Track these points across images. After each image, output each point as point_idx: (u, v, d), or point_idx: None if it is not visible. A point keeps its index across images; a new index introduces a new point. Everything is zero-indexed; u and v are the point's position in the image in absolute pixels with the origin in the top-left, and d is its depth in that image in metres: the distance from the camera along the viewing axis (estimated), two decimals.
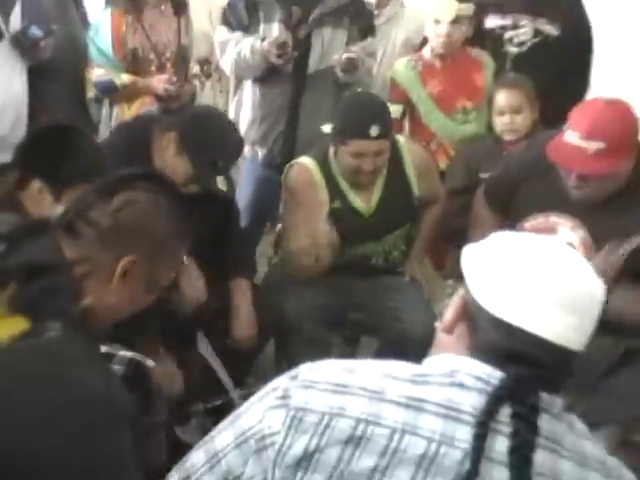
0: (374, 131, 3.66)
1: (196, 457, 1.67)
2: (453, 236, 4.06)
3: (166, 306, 3.07)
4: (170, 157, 3.43)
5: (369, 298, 3.94)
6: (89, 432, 1.79)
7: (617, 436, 2.46)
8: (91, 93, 4.52)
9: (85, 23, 4.72)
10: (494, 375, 1.53)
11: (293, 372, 1.64)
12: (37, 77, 4.04)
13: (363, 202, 3.94)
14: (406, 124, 4.73)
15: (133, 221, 2.09)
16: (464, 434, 1.49)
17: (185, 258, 3.32)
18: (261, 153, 4.72)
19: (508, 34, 4.71)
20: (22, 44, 3.89)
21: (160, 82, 4.45)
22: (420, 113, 4.64)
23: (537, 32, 4.69)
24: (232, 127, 3.87)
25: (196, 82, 4.87)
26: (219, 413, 1.90)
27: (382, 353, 3.87)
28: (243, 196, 4.61)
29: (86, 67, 4.48)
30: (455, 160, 4.51)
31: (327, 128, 3.91)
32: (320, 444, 1.52)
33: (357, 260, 3.99)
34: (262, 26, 4.51)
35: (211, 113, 3.91)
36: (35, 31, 3.89)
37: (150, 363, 2.87)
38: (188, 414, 2.95)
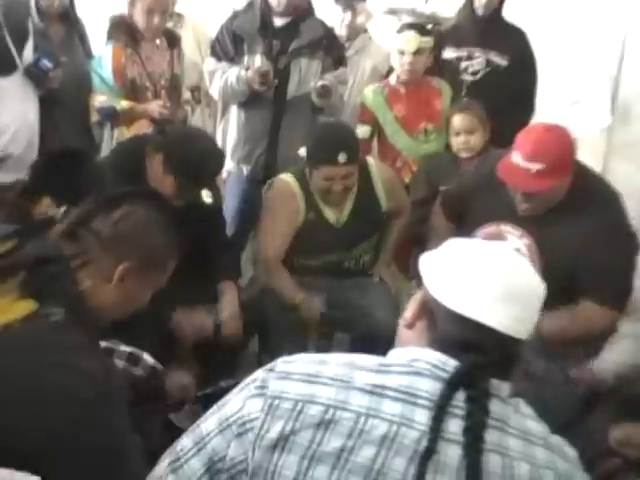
0: (342, 158, 3.70)
1: (185, 441, 1.66)
2: (416, 241, 4.07)
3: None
4: (159, 176, 3.43)
5: (342, 298, 3.93)
6: (89, 414, 1.80)
7: None
8: (94, 117, 4.52)
9: (89, 55, 4.72)
10: (449, 363, 1.54)
11: (270, 365, 1.65)
12: (47, 104, 4.04)
13: (335, 215, 3.96)
14: (374, 143, 4.75)
15: (131, 232, 2.12)
16: (421, 417, 1.50)
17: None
18: (246, 170, 4.74)
19: (463, 64, 4.80)
20: (34, 75, 3.88)
21: (156, 107, 4.45)
22: (387, 134, 4.69)
23: (489, 63, 4.78)
24: (212, 145, 3.86)
25: (187, 107, 4.90)
26: (209, 401, 1.95)
27: (354, 347, 3.89)
28: (229, 207, 4.61)
29: (90, 94, 4.48)
30: (417, 175, 4.54)
31: (303, 151, 3.95)
32: (294, 428, 1.53)
33: (331, 264, 4.00)
34: (246, 57, 4.52)
35: (192, 135, 3.85)
36: (46, 63, 3.89)
37: (147, 357, 2.87)
38: (182, 402, 2.99)
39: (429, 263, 1.68)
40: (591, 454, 2.71)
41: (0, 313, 2.03)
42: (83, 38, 4.80)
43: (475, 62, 4.79)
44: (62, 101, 4.21)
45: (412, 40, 4.55)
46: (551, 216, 3.39)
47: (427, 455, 1.46)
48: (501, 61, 4.79)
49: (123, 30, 4.53)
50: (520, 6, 5.02)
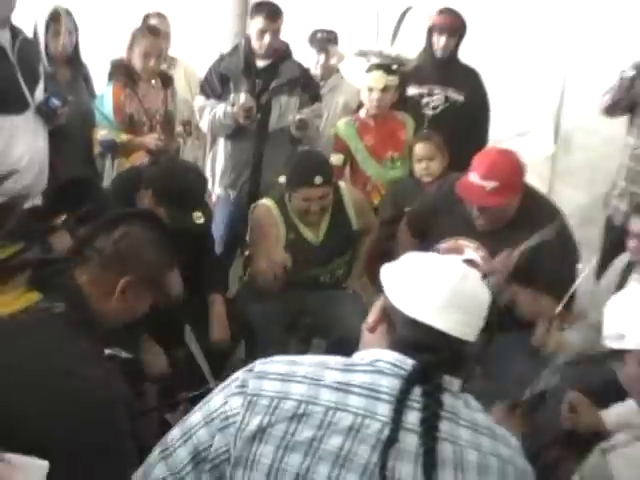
0: (318, 180, 3.76)
1: (175, 432, 1.67)
2: (385, 257, 4.08)
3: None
4: (151, 208, 3.40)
5: (318, 307, 3.93)
6: (89, 416, 1.83)
7: (503, 411, 2.46)
8: (97, 149, 4.55)
9: (92, 95, 4.75)
10: (407, 362, 1.58)
11: (250, 366, 1.66)
12: (55, 137, 4.02)
13: (313, 235, 3.99)
14: (347, 170, 4.79)
15: (129, 249, 2.17)
16: (383, 410, 1.53)
17: (145, 337, 3.36)
18: (232, 195, 4.79)
19: (425, 100, 4.90)
20: (44, 112, 3.86)
21: (151, 140, 4.51)
22: (358, 161, 4.74)
23: (447, 99, 4.90)
24: (194, 172, 3.83)
25: (180, 139, 4.91)
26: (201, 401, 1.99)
27: (329, 351, 3.81)
28: (218, 228, 4.59)
29: (93, 129, 4.52)
30: (385, 197, 4.59)
31: (282, 179, 3.97)
32: (271, 421, 1.55)
33: (309, 278, 4.00)
34: (232, 95, 4.62)
35: (175, 168, 3.83)
36: (54, 102, 3.87)
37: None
38: (176, 402, 3.01)
39: (389, 274, 1.72)
40: (538, 445, 2.81)
41: (8, 304, 2.15)
42: (87, 79, 4.82)
43: (435, 98, 4.90)
44: (69, 135, 4.21)
45: (379, 78, 4.63)
46: (503, 231, 3.46)
47: (389, 443, 1.49)
48: (458, 97, 4.90)
49: (122, 72, 4.59)
50: (474, 49, 5.05)
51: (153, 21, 5.18)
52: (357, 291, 4.12)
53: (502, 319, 3.31)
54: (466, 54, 5.01)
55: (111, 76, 4.65)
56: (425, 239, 3.72)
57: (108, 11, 5.43)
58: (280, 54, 4.71)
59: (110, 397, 1.94)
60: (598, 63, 5.12)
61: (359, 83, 4.93)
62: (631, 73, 4.38)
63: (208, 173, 4.90)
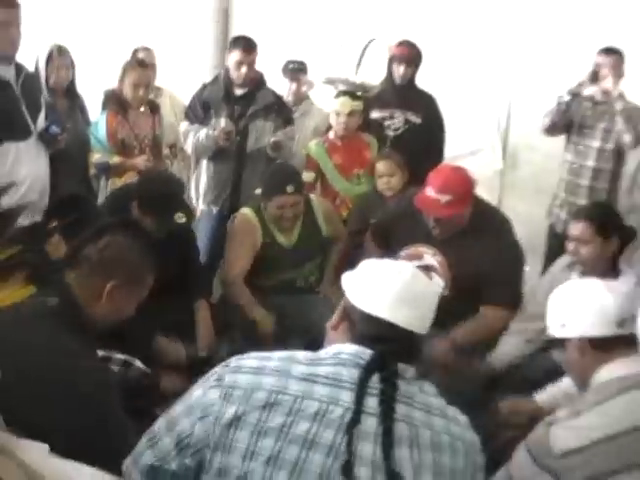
0: (290, 188, 3.85)
1: (160, 422, 1.69)
2: (353, 264, 4.12)
3: None
4: (140, 217, 3.49)
5: (295, 311, 3.96)
6: (88, 405, 1.89)
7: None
8: (92, 171, 4.58)
9: (87, 122, 4.77)
10: (365, 353, 1.64)
11: (226, 362, 1.70)
12: (55, 161, 4.05)
13: (286, 240, 4.05)
14: (318, 186, 4.82)
15: (113, 256, 2.17)
16: (345, 397, 1.58)
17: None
18: (215, 210, 4.83)
19: (387, 122, 4.94)
20: (45, 138, 3.90)
21: (141, 161, 4.53)
22: (327, 178, 4.78)
23: (407, 121, 4.93)
24: (169, 179, 3.96)
25: (167, 160, 5.01)
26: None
27: (305, 350, 4.00)
28: (202, 240, 4.61)
29: (89, 153, 4.54)
30: (352, 210, 4.64)
31: (258, 190, 4.05)
32: (245, 410, 1.58)
33: (285, 283, 4.07)
34: (213, 120, 4.67)
35: (153, 179, 3.94)
36: (54, 129, 3.91)
37: (138, 363, 2.87)
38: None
39: (349, 279, 1.78)
40: (491, 428, 2.85)
41: (7, 297, 2.23)
42: (83, 109, 4.85)
43: (396, 121, 4.94)
44: (67, 158, 4.23)
45: (346, 104, 4.71)
46: (458, 238, 3.54)
47: (353, 423, 1.55)
48: (416, 119, 4.94)
49: (114, 101, 4.62)
50: (430, 76, 5.12)
51: (141, 55, 5.21)
52: (328, 296, 4.04)
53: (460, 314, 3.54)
54: (423, 80, 5.06)
55: (104, 105, 4.67)
56: (388, 247, 3.76)
57: (100, 47, 5.44)
58: (256, 83, 4.77)
59: (105, 384, 2.01)
60: (539, 90, 5.15)
61: (328, 108, 4.98)
62: (567, 98, 4.54)
63: (192, 191, 4.95)
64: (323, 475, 1.53)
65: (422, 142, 4.90)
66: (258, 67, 4.83)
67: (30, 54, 4.42)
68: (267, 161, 4.77)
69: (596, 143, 4.65)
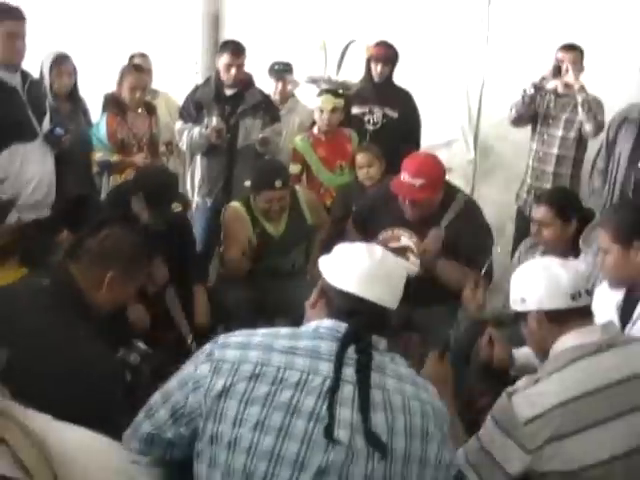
0: (277, 183, 3.85)
1: (156, 396, 1.72)
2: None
3: None
4: (138, 210, 3.53)
5: (281, 292, 3.93)
6: (93, 388, 1.91)
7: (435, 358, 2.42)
8: (95, 168, 4.57)
9: (89, 124, 4.77)
10: (341, 326, 1.67)
11: (216, 339, 1.72)
12: (60, 160, 4.06)
13: (274, 229, 4.06)
14: (303, 177, 4.83)
15: (112, 248, 2.20)
16: (323, 367, 1.61)
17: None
18: (209, 202, 4.84)
19: (366, 117, 4.96)
20: (50, 140, 3.93)
21: (140, 159, 4.53)
22: (312, 170, 4.79)
23: (385, 115, 4.95)
24: (164, 172, 4.02)
25: (163, 157, 4.98)
26: None
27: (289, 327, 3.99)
28: (198, 230, 4.68)
29: (91, 152, 4.53)
30: (336, 199, 4.67)
31: (247, 183, 4.04)
32: (233, 381, 1.60)
33: (273, 267, 4.08)
34: (206, 119, 4.65)
35: (149, 173, 3.99)
36: (59, 131, 3.94)
37: (140, 343, 2.89)
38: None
39: (326, 261, 1.82)
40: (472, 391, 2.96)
41: (3, 279, 2.25)
42: (85, 111, 4.84)
43: (375, 116, 4.96)
44: (71, 158, 4.23)
45: (328, 101, 4.73)
46: (431, 220, 3.59)
47: (333, 390, 1.57)
48: (393, 114, 4.96)
49: (114, 103, 4.60)
50: (406, 74, 5.15)
51: (137, 60, 5.19)
52: (314, 277, 3.94)
53: (435, 292, 3.55)
54: (400, 77, 5.08)
55: (104, 107, 4.66)
56: (368, 232, 3.78)
57: (100, 54, 5.42)
58: (245, 84, 4.78)
59: (109, 369, 2.06)
60: (508, 84, 5.18)
61: (312, 105, 4.99)
62: (531, 91, 4.59)
63: (188, 185, 4.98)
64: (305, 438, 1.56)
65: (400, 135, 4.91)
66: (246, 68, 4.83)
67: (34, 61, 4.42)
68: (256, 156, 4.76)
69: (559, 132, 4.70)
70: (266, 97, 4.97)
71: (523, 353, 2.74)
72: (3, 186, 3.69)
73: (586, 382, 1.93)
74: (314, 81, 5.39)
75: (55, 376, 1.89)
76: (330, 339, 1.66)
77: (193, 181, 4.97)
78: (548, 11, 5.28)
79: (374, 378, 1.63)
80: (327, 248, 1.92)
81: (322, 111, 4.76)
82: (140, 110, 4.73)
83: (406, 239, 3.69)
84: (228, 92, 4.78)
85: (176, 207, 3.62)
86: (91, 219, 3.08)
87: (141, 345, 2.91)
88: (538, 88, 4.63)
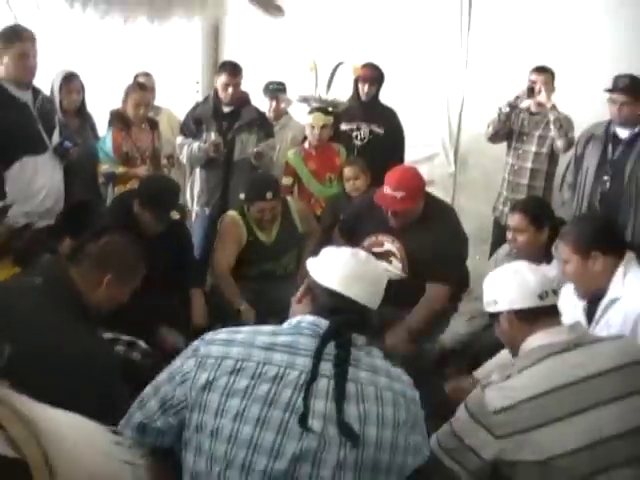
0: (269, 195, 3.88)
1: (148, 389, 1.73)
2: None
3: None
4: (140, 212, 3.56)
5: (274, 294, 3.78)
6: (92, 381, 1.92)
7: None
8: (101, 179, 4.57)
9: (96, 138, 4.75)
10: (322, 322, 1.68)
11: (203, 336, 1.74)
12: (69, 172, 4.07)
13: (267, 237, 4.07)
14: (295, 188, 4.83)
15: (111, 252, 2.24)
16: (300, 361, 1.62)
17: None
18: (207, 211, 4.85)
19: (354, 133, 4.98)
20: (59, 152, 3.92)
21: (143, 171, 4.53)
22: (304, 182, 4.80)
23: (371, 132, 4.96)
24: (166, 180, 4.00)
25: (165, 169, 4.96)
26: None
27: None
28: (197, 238, 4.66)
29: (97, 164, 4.54)
30: (325, 209, 4.68)
31: (242, 195, 4.05)
32: (216, 375, 1.62)
33: (266, 272, 4.09)
34: (204, 134, 4.69)
35: (152, 180, 4.01)
36: (67, 144, 3.94)
37: (141, 342, 2.90)
38: None
39: (313, 262, 1.83)
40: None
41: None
42: (92, 126, 4.83)
43: (362, 132, 4.97)
44: (79, 169, 4.25)
45: (319, 118, 4.75)
46: (412, 227, 3.60)
47: (310, 382, 1.59)
48: (380, 131, 4.97)
49: (119, 119, 4.60)
50: (391, 92, 5.16)
51: (141, 79, 5.19)
52: (303, 279, 3.95)
53: (417, 293, 3.58)
54: (386, 96, 5.10)
55: (110, 123, 4.66)
56: (353, 239, 3.78)
57: (106, 73, 5.43)
58: (241, 101, 4.80)
59: (109, 363, 2.07)
60: (485, 102, 5.21)
61: (303, 122, 4.99)
62: (506, 110, 4.61)
63: (187, 195, 4.97)
64: (281, 428, 1.58)
65: (385, 150, 4.91)
66: (243, 87, 4.86)
67: (46, 79, 4.42)
68: (251, 169, 4.77)
69: (533, 148, 4.72)
70: (261, 114, 4.98)
71: (487, 369, 2.80)
72: (15, 195, 3.68)
73: (553, 378, 1.93)
74: (305, 100, 5.39)
75: (56, 371, 1.90)
76: (309, 335, 1.67)
77: (192, 192, 4.97)
78: (522, 36, 5.32)
79: (350, 371, 1.64)
80: (316, 254, 1.92)
81: (313, 127, 4.76)
82: (143, 125, 4.72)
83: (389, 244, 3.70)
84: (225, 109, 4.79)
85: (175, 215, 3.62)
86: (93, 226, 3.04)
87: (142, 344, 2.92)
88: (513, 107, 4.65)
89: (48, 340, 1.96)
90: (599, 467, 1.89)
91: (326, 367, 1.63)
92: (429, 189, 3.78)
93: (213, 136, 4.65)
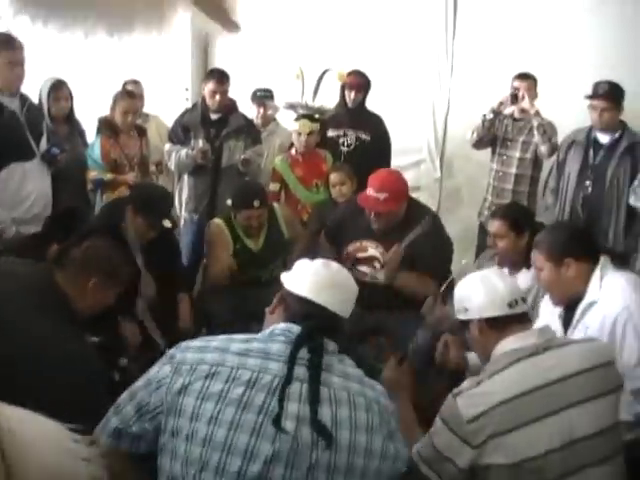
0: (256, 203, 3.89)
1: (124, 395, 1.74)
2: (313, 259, 4.17)
3: None
4: (132, 218, 3.54)
5: (260, 300, 3.76)
6: (78, 382, 1.93)
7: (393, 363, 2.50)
8: (89, 186, 4.55)
9: (85, 145, 4.73)
10: (294, 328, 1.71)
11: (179, 344, 1.76)
12: (57, 178, 4.07)
13: (253, 244, 4.08)
14: (282, 194, 4.84)
15: (94, 257, 2.25)
16: (273, 366, 1.64)
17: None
18: (195, 217, 4.85)
19: (341, 140, 4.97)
20: (47, 159, 3.92)
21: (131, 177, 4.53)
22: (291, 188, 4.80)
23: (357, 138, 4.96)
24: (160, 189, 3.99)
25: (153, 176, 4.94)
26: None
27: None
28: (185, 244, 4.71)
29: (86, 171, 4.51)
30: (311, 215, 4.66)
31: (229, 202, 4.05)
32: (191, 380, 1.64)
33: (253, 278, 4.05)
34: (192, 141, 4.69)
35: (146, 187, 4.03)
36: (55, 151, 3.94)
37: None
38: None
39: (287, 273, 1.87)
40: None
41: None
42: (81, 133, 4.81)
43: (349, 138, 4.97)
44: (68, 176, 4.24)
45: (305, 125, 4.74)
46: (395, 232, 3.61)
47: (286, 383, 1.62)
48: (366, 137, 4.97)
49: (107, 126, 4.60)
50: (378, 99, 5.17)
51: (130, 86, 5.19)
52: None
53: (402, 298, 3.58)
54: (373, 103, 5.11)
55: (99, 130, 4.67)
56: (338, 244, 3.82)
57: (95, 79, 5.44)
58: (229, 109, 4.81)
59: (93, 366, 2.06)
60: (470, 109, 5.24)
61: (291, 129, 4.99)
62: (490, 116, 4.65)
63: (176, 201, 4.94)
64: (255, 431, 1.60)
65: (371, 156, 4.91)
66: (230, 94, 4.87)
67: (34, 87, 4.42)
68: (239, 175, 4.78)
69: (517, 153, 4.76)
70: (248, 121, 4.99)
71: (475, 356, 2.72)
72: (3, 201, 3.70)
73: (524, 382, 1.95)
74: (292, 107, 5.42)
75: (41, 373, 1.91)
76: (281, 341, 1.69)
77: (181, 198, 4.96)
78: (507, 43, 5.38)
79: (322, 376, 1.66)
80: (302, 258, 1.94)
81: (300, 134, 4.76)
82: (132, 133, 4.72)
83: (373, 249, 3.71)
84: (213, 116, 4.79)
85: (167, 224, 3.63)
86: (79, 231, 3.10)
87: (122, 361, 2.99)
88: (496, 113, 4.69)
89: (33, 343, 1.97)
90: (569, 468, 1.92)
91: (300, 371, 1.65)
92: (415, 195, 3.81)
93: (201, 143, 4.65)
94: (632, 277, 2.67)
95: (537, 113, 4.56)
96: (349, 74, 5.03)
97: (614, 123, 4.21)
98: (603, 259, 2.64)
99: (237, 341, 1.72)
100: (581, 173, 4.26)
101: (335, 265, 1.87)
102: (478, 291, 2.14)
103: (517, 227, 3.37)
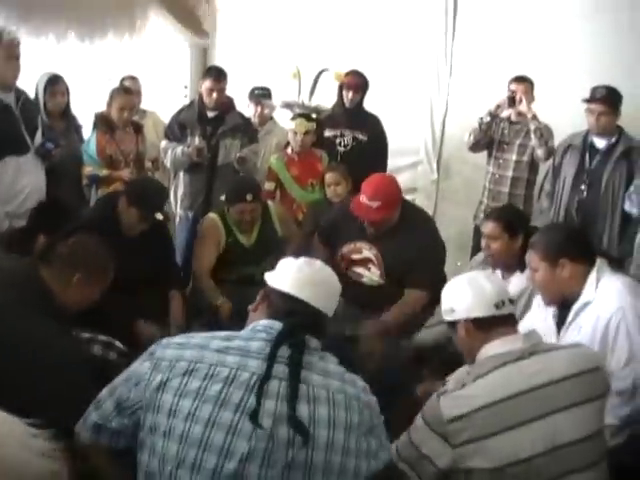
0: (249, 197, 3.87)
1: (104, 390, 1.76)
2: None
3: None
4: (125, 210, 3.53)
5: (251, 299, 3.93)
6: (59, 375, 1.93)
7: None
8: (85, 182, 4.54)
9: (81, 140, 4.73)
10: (275, 324, 1.71)
11: (160, 341, 1.77)
12: (51, 173, 4.09)
13: (246, 239, 4.04)
14: (277, 193, 4.81)
15: (79, 253, 2.25)
16: (252, 363, 1.64)
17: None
18: (190, 214, 4.84)
19: (337, 140, 4.98)
20: (41, 153, 3.93)
21: (126, 173, 4.51)
22: (286, 187, 4.78)
23: (354, 138, 4.97)
24: (156, 182, 4.02)
25: (149, 173, 4.92)
26: None
27: None
28: (179, 240, 4.71)
29: (81, 166, 4.51)
30: (306, 214, 4.64)
31: (222, 197, 4.06)
32: (169, 377, 1.65)
33: (245, 277, 3.97)
34: (189, 138, 4.67)
35: (142, 180, 4.07)
36: (49, 145, 3.95)
37: (118, 343, 2.83)
38: None
39: (270, 273, 1.88)
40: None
41: None
42: (77, 129, 4.81)
43: (345, 138, 4.98)
44: (63, 171, 4.26)
45: (301, 125, 4.74)
46: (390, 234, 3.60)
47: (264, 380, 1.62)
48: (363, 137, 4.98)
49: (104, 122, 4.58)
50: (375, 100, 5.17)
51: (127, 83, 5.19)
52: None
53: (394, 298, 3.57)
54: (370, 103, 5.10)
55: (95, 125, 4.65)
56: (332, 245, 3.81)
57: (92, 75, 5.43)
58: (225, 107, 4.80)
59: (78, 361, 2.07)
60: (468, 111, 5.23)
61: (287, 128, 4.96)
62: (487, 119, 4.64)
63: (172, 198, 4.94)
64: (231, 428, 1.60)
65: (368, 157, 4.91)
66: (228, 92, 4.86)
67: (30, 82, 4.43)
68: (234, 173, 4.77)
69: (513, 156, 4.75)
70: (245, 120, 4.99)
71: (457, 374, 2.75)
72: None
73: (508, 387, 1.94)
74: (288, 106, 5.40)
75: (25, 369, 1.91)
76: (262, 338, 1.69)
77: (176, 195, 4.96)
78: (506, 45, 5.35)
79: (302, 374, 1.66)
80: (296, 257, 1.94)
81: (295, 133, 4.75)
82: (128, 129, 4.71)
83: (367, 251, 3.70)
84: (210, 114, 4.78)
85: (159, 216, 3.64)
86: (68, 224, 3.12)
87: (118, 344, 2.88)
88: (493, 116, 4.68)
89: (18, 338, 1.97)
90: (553, 474, 1.91)
91: (279, 369, 1.64)
92: (412, 196, 3.80)
93: (197, 141, 4.64)
94: (628, 280, 2.68)
95: (534, 116, 4.56)
96: (347, 74, 5.02)
97: (611, 127, 4.20)
98: (600, 261, 2.65)
99: (218, 338, 1.72)
100: (577, 177, 4.26)
101: (318, 263, 1.88)
102: (465, 292, 2.13)
103: (511, 229, 3.35)
